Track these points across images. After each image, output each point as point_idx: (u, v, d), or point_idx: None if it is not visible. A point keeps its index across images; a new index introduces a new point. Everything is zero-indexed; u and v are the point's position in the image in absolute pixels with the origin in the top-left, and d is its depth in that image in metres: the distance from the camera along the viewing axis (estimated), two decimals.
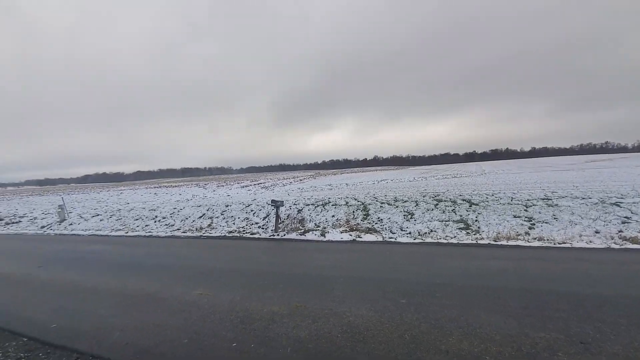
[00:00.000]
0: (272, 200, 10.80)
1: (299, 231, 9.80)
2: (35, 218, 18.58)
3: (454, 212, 9.97)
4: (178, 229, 12.23)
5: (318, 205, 12.24)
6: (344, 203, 12.38)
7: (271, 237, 9.56)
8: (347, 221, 10.25)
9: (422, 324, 3.60)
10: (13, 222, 18.71)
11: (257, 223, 11.31)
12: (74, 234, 13.20)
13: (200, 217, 13.27)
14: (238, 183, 36.56)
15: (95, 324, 4.21)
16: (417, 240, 7.96)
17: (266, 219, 11.46)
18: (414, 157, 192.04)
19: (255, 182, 35.41)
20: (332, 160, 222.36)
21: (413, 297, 4.31)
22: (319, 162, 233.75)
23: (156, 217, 14.52)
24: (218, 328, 3.79)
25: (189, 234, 11.24)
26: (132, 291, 5.38)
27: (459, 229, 8.69)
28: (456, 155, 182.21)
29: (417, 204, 11.25)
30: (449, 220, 9.37)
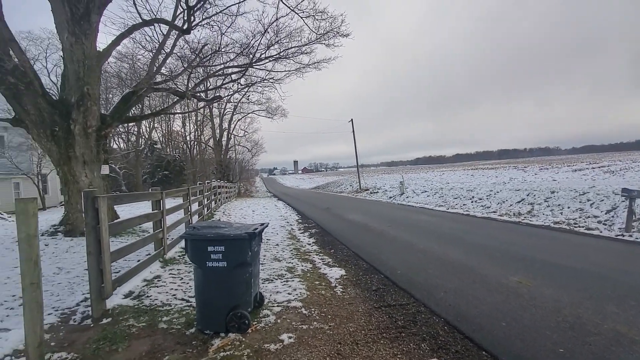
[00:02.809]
0: (624, 189, 7.88)
1: None
2: (385, 190, 23.72)
3: None
4: (494, 212, 11.74)
5: None
6: None
7: (618, 236, 7.21)
8: None
9: None
10: (373, 192, 24.79)
11: (596, 216, 8.84)
12: (409, 205, 15.76)
13: (519, 201, 12.04)
14: (568, 166, 29.73)
15: (426, 279, 4.91)
16: None
17: (611, 213, 8.71)
18: None
19: (594, 165, 27.39)
20: None
21: None
22: None
23: (473, 197, 14.61)
24: (540, 325, 3.38)
25: (505, 217, 10.54)
26: (453, 260, 5.79)
27: None
28: None
29: None
30: None
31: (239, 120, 42.54)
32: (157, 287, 4.70)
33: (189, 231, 3.39)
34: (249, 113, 39.72)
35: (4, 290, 4.55)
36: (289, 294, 4.35)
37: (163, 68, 9.98)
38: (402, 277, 5.08)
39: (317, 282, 4.87)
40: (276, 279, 5.01)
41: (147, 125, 38.25)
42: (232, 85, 12.60)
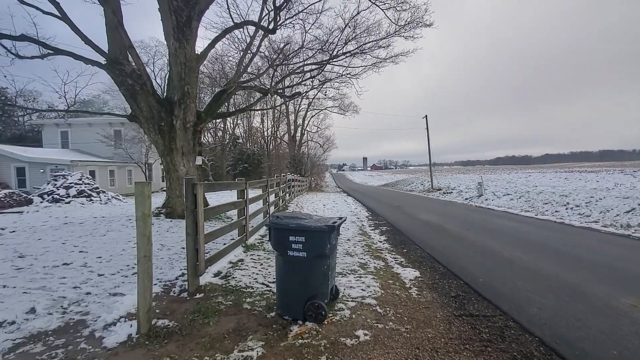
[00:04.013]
0: None
1: None
2: (460, 191, 22.10)
3: None
4: (595, 221, 10.05)
5: None
6: None
7: None
8: None
9: None
10: (447, 192, 23.30)
11: None
12: (489, 208, 14.40)
13: (628, 211, 10.10)
14: None
15: (514, 291, 4.39)
16: None
17: None
18: None
19: None
20: None
21: None
22: None
23: (567, 204, 12.71)
24: None
25: (610, 229, 8.93)
26: (547, 274, 5.08)
27: None
28: None
29: None
30: None
31: (312, 116, 43.80)
32: (241, 269, 5.03)
33: (272, 220, 3.52)
34: (322, 110, 40.61)
35: (120, 260, 5.33)
36: (362, 290, 4.27)
37: (248, 67, 10.67)
38: (486, 286, 4.62)
39: (390, 282, 4.71)
40: (349, 274, 4.97)
41: (231, 122, 41.49)
42: (311, 82, 12.89)
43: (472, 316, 3.67)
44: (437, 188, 27.06)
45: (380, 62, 12.99)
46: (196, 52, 8.83)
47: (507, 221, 10.56)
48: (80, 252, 5.79)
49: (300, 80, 12.87)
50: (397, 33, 11.76)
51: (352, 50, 11.91)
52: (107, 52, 8.17)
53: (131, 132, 24.92)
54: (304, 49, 11.18)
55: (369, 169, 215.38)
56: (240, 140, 46.46)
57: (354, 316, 3.50)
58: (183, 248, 6.13)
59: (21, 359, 2.61)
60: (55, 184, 16.25)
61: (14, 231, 8.12)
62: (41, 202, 15.02)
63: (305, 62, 11.60)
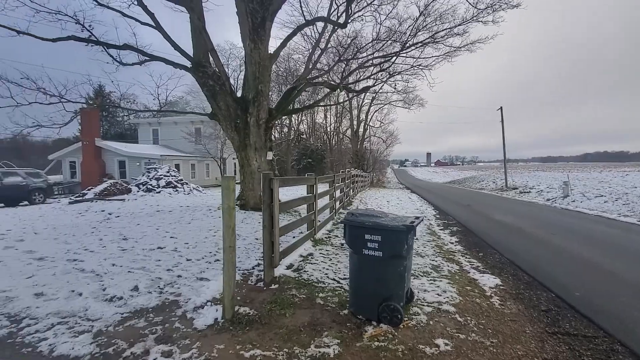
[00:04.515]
0: None
1: None
2: (541, 190, 19.76)
3: None
4: None
5: None
6: None
7: None
8: None
9: None
10: (524, 192, 21.04)
11: None
12: (578, 211, 12.60)
13: None
14: None
15: (620, 310, 3.74)
16: None
17: None
18: None
19: None
20: None
21: None
22: None
23: None
24: None
25: None
26: None
27: None
28: None
29: None
30: None
31: (375, 111, 42.86)
32: (312, 264, 5.10)
33: (348, 217, 3.47)
34: (386, 104, 39.46)
35: (203, 247, 5.79)
36: (438, 295, 4.02)
37: (317, 64, 10.76)
38: (583, 301, 4.01)
39: (468, 288, 4.35)
40: (422, 276, 4.73)
41: (296, 118, 42.65)
42: (378, 75, 12.47)
43: (568, 335, 3.21)
44: (512, 187, 24.58)
45: (454, 50, 12.03)
46: (269, 52, 9.17)
47: (603, 226, 9.11)
48: (171, 237, 6.44)
49: (370, 74, 12.50)
50: (474, 18, 10.75)
51: (424, 40, 11.18)
52: (192, 56, 8.91)
53: (209, 129, 27.10)
54: (375, 42, 10.83)
55: (432, 165, 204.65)
56: (304, 136, 47.61)
57: (431, 322, 3.30)
58: (257, 239, 6.44)
59: (128, 332, 2.96)
60: (149, 176, 18.42)
61: (118, 216, 9.39)
62: (137, 191, 17.16)
63: (374, 55, 11.24)
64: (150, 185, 17.68)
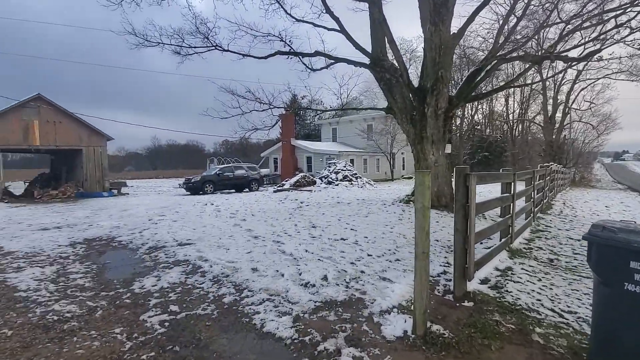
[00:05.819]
0: None
1: None
2: None
3: None
4: None
5: None
6: None
7: None
8: None
9: None
10: None
11: None
12: None
13: None
14: None
15: None
16: None
17: None
18: None
19: None
20: None
21: None
22: None
23: None
24: None
25: None
26: None
27: None
28: None
29: None
30: None
31: (582, 89, 32.16)
32: (514, 282, 3.98)
33: (597, 232, 2.34)
34: (599, 78, 28.74)
35: (382, 243, 5.56)
36: None
37: (512, 35, 8.67)
38: None
39: None
40: None
41: (470, 107, 37.70)
42: (611, 34, 8.73)
43: None
44: None
45: None
46: (451, 32, 8.07)
47: None
48: (352, 229, 6.59)
49: (598, 33, 8.91)
50: None
51: None
52: (370, 52, 8.93)
53: (380, 125, 27.64)
54: None
55: None
56: (479, 127, 41.67)
57: None
58: (437, 240, 5.73)
59: (321, 323, 2.95)
60: (329, 170, 20.44)
61: (308, 205, 10.62)
62: (321, 183, 19.30)
63: (604, 9, 7.85)
64: (330, 178, 19.52)
